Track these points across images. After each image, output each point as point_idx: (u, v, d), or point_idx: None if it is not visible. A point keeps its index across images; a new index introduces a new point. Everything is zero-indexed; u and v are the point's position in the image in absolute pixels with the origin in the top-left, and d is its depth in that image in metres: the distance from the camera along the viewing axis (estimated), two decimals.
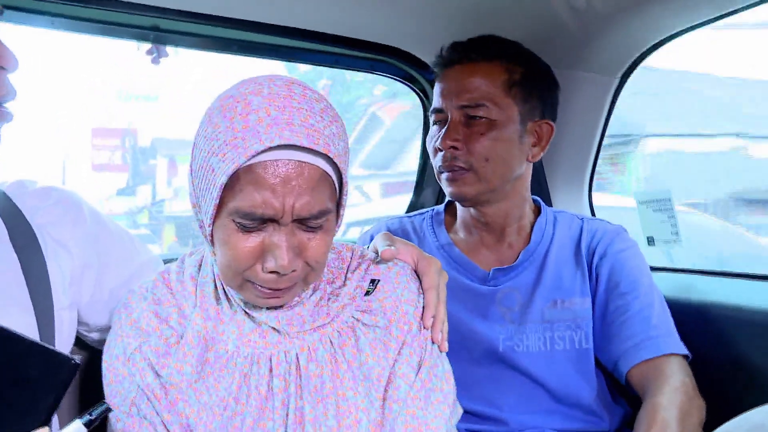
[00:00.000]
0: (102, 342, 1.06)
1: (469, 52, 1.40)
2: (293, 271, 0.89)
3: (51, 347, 0.82)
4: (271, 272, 0.89)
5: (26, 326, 1.03)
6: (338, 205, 0.95)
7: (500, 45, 1.42)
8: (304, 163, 0.86)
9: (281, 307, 0.99)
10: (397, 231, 1.52)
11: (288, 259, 0.87)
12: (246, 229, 0.88)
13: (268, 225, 0.88)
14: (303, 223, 0.88)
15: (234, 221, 0.87)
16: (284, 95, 0.87)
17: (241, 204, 0.85)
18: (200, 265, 1.05)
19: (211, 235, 0.92)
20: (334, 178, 0.91)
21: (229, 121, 0.85)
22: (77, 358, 0.83)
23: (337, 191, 0.93)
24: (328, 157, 0.88)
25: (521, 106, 1.39)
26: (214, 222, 0.90)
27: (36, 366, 0.81)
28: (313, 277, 0.95)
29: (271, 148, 0.84)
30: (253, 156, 0.84)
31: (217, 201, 0.87)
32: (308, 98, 0.88)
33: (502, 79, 1.38)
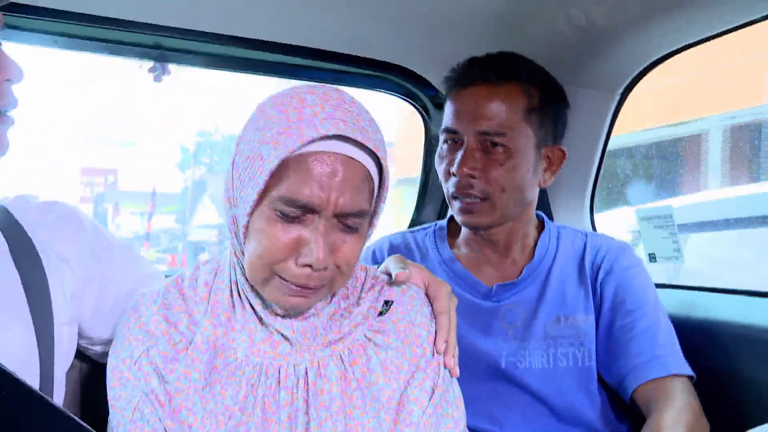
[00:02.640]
0: (104, 355, 1.06)
1: (488, 73, 1.38)
2: (325, 269, 0.90)
3: (78, 420, 0.83)
4: (305, 266, 0.89)
5: (25, 341, 1.03)
6: (373, 212, 0.97)
7: (518, 64, 1.40)
8: (353, 159, 0.89)
9: (297, 316, 0.99)
10: (399, 246, 1.52)
11: (324, 254, 0.89)
12: (286, 219, 0.89)
13: (307, 218, 0.89)
14: (342, 220, 0.91)
15: (275, 209, 0.89)
16: (336, 98, 0.91)
17: (286, 191, 0.87)
18: (216, 273, 1.05)
19: (245, 228, 0.92)
20: (376, 182, 0.94)
21: (283, 113, 0.89)
22: None
23: (375, 198, 0.96)
24: (376, 157, 0.92)
25: (537, 133, 1.38)
26: (252, 211, 0.91)
27: None
28: (339, 282, 0.96)
29: (325, 137, 0.87)
30: (308, 143, 0.86)
31: (263, 187, 0.88)
32: (358, 106, 0.93)
33: (521, 104, 1.37)
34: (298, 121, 0.87)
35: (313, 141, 0.87)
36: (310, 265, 0.89)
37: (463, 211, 1.39)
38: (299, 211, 0.88)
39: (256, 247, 0.91)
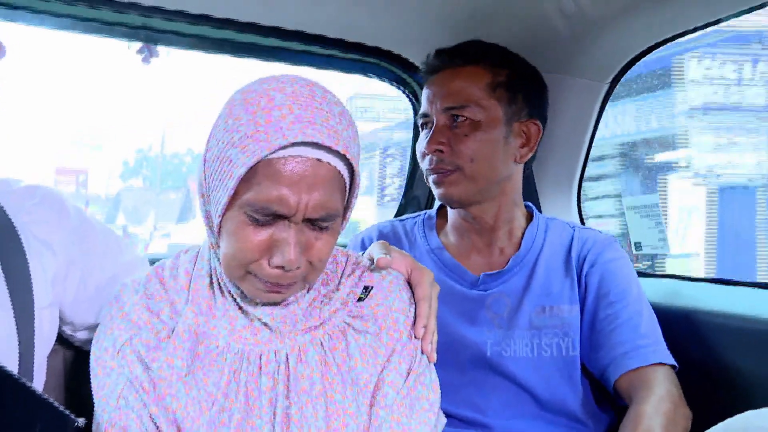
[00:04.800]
0: (88, 342, 1.07)
1: (453, 58, 1.44)
2: (297, 268, 0.92)
3: (58, 405, 0.84)
4: (277, 267, 0.91)
5: (4, 324, 1.04)
6: (346, 208, 0.98)
7: (484, 49, 1.45)
8: (322, 162, 0.89)
9: (277, 304, 1.01)
10: (388, 234, 1.53)
11: (295, 256, 0.90)
12: (257, 223, 0.90)
13: (278, 220, 0.90)
14: (313, 222, 0.92)
15: (246, 214, 0.90)
16: (307, 95, 0.90)
17: (256, 197, 0.88)
18: (195, 261, 1.06)
19: (218, 227, 0.94)
20: (347, 180, 0.95)
21: (251, 114, 0.88)
22: (81, 421, 0.84)
23: (347, 194, 0.97)
24: (345, 158, 0.91)
25: (506, 107, 1.41)
26: (224, 213, 0.92)
27: (41, 420, 0.83)
28: (313, 276, 0.97)
29: (293, 144, 0.87)
30: (276, 150, 0.87)
31: (232, 192, 0.89)
32: (329, 100, 0.92)
33: (486, 81, 1.41)
34: (266, 125, 0.87)
35: (280, 149, 0.87)
36: (282, 266, 0.91)
37: (437, 183, 1.43)
38: (270, 217, 0.90)
39: (229, 247, 0.93)
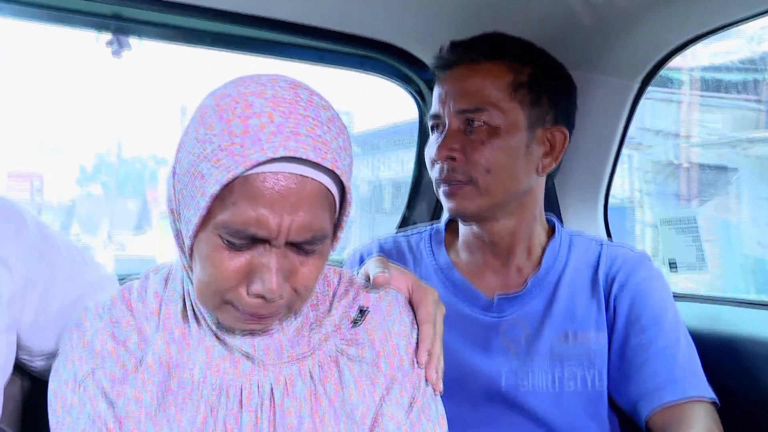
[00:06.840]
0: (46, 371, 1.04)
1: (470, 52, 1.40)
2: (280, 297, 0.89)
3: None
4: (257, 296, 0.88)
5: None
6: (336, 226, 0.95)
7: (505, 43, 1.41)
8: (307, 178, 0.86)
9: (260, 333, 0.98)
10: (391, 251, 1.51)
11: (277, 284, 0.87)
12: (233, 247, 0.87)
13: (258, 244, 0.87)
14: (297, 246, 0.88)
15: (221, 236, 0.86)
16: (290, 99, 0.86)
17: (232, 219, 0.85)
18: (167, 281, 1.03)
19: (191, 249, 0.91)
20: (336, 196, 0.91)
21: (225, 123, 0.85)
22: None
23: (337, 211, 0.93)
24: (333, 173, 0.88)
25: (528, 111, 1.38)
26: (196, 234, 0.89)
27: None
28: (298, 304, 0.94)
29: (273, 160, 0.83)
30: (253, 166, 0.83)
31: (204, 212, 0.86)
32: (315, 105, 0.88)
33: (506, 80, 1.38)
34: (243, 136, 0.83)
35: (259, 164, 0.83)
36: (263, 296, 0.88)
37: (448, 195, 1.39)
38: (247, 241, 0.86)
39: (203, 273, 0.90)
